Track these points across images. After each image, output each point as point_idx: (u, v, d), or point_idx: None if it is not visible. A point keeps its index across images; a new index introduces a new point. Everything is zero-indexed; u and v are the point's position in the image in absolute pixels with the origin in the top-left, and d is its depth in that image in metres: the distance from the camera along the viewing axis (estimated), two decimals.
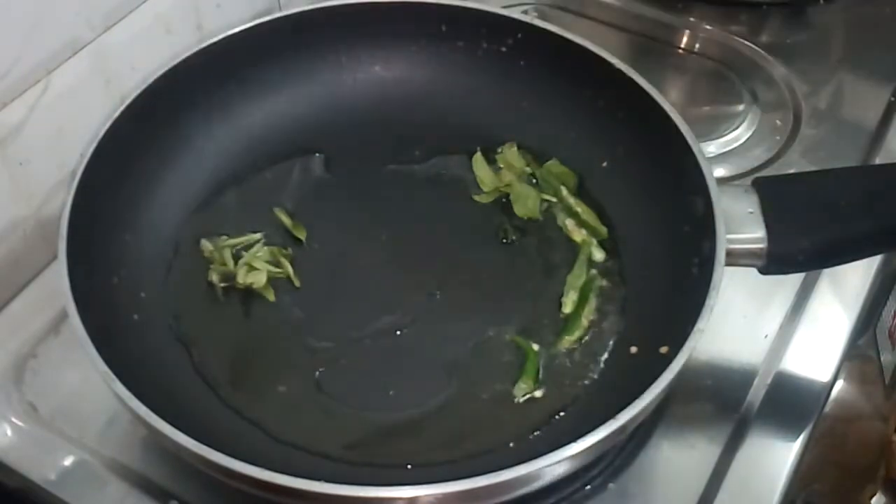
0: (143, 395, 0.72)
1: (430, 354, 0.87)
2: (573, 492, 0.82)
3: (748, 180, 0.86)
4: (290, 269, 0.92)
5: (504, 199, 0.98)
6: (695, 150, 0.87)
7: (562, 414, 0.83)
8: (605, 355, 0.87)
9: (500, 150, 1.01)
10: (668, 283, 0.87)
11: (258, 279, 0.90)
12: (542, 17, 1.18)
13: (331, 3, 1.03)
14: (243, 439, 0.80)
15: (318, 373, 0.86)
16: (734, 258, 0.81)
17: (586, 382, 0.85)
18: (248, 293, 0.91)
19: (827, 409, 0.89)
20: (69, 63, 0.92)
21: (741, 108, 1.14)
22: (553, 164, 0.99)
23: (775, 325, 0.94)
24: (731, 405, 0.88)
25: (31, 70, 0.89)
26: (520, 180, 0.99)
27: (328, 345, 0.88)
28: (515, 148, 1.01)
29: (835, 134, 1.11)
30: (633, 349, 0.86)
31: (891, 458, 1.26)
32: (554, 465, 0.70)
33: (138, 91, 0.92)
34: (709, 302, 0.77)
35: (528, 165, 1.00)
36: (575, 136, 1.00)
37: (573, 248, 0.94)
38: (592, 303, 0.90)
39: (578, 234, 0.95)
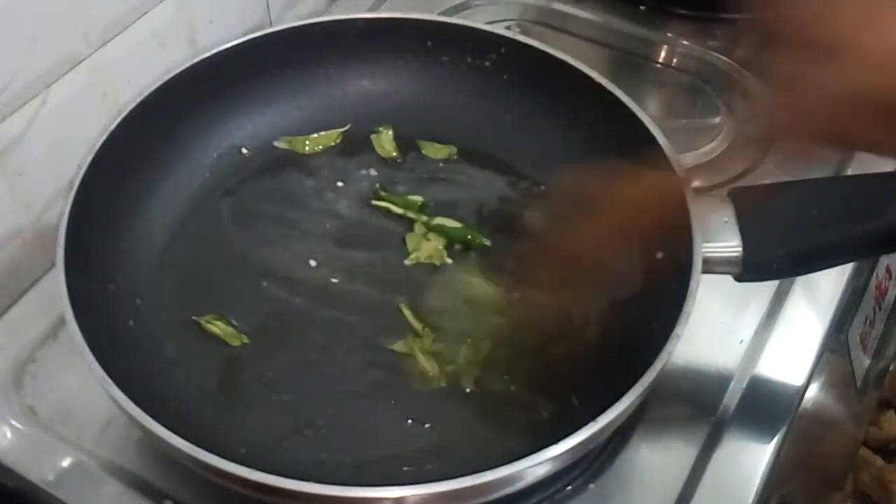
0: (138, 398, 0.73)
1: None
2: (555, 492, 0.83)
3: (724, 191, 0.86)
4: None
5: None
6: (672, 161, 0.89)
7: (543, 416, 0.84)
8: (586, 360, 0.88)
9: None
10: (647, 290, 0.88)
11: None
12: (525, 32, 1.17)
13: (320, 20, 1.04)
14: (235, 441, 0.81)
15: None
16: (710, 266, 0.82)
17: (568, 387, 0.86)
18: None
19: (802, 411, 0.90)
20: (67, 77, 0.93)
21: (717, 120, 1.15)
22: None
23: (750, 330, 0.94)
24: (707, 408, 0.89)
25: (30, 84, 0.89)
26: None
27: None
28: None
29: (808, 146, 1.11)
30: (613, 355, 0.87)
31: (858, 472, 1.28)
32: (536, 466, 0.71)
33: (134, 104, 0.93)
34: (686, 308, 0.78)
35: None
36: (556, 147, 1.02)
37: None
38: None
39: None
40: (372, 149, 1.05)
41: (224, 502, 0.79)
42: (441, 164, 1.05)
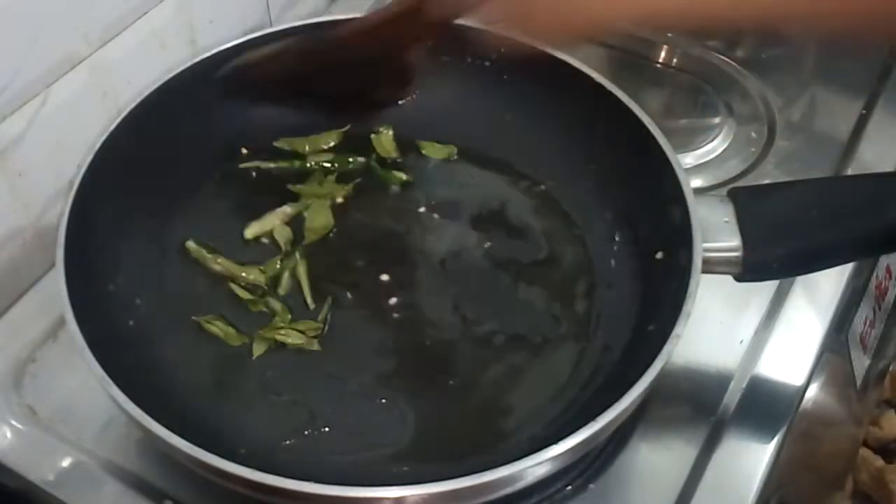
0: (138, 398, 0.73)
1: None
2: (555, 492, 0.83)
3: (724, 190, 0.86)
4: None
5: None
6: (672, 161, 0.88)
7: (544, 415, 0.84)
8: (587, 360, 0.88)
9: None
10: (647, 290, 0.89)
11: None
12: None
13: (319, 20, 1.03)
14: (235, 441, 0.81)
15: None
16: (710, 266, 0.82)
17: (569, 387, 0.86)
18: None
19: (802, 411, 0.90)
20: (67, 77, 0.93)
21: (717, 120, 1.15)
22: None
23: (750, 330, 0.95)
24: (707, 408, 0.89)
25: (30, 83, 0.90)
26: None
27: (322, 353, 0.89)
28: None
29: (808, 146, 1.12)
30: (613, 354, 0.87)
31: (858, 472, 1.28)
32: (536, 466, 0.71)
33: (134, 104, 0.93)
34: (686, 308, 0.78)
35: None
36: (556, 147, 1.02)
37: None
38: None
39: None
40: (372, 149, 1.05)
41: (224, 502, 0.80)
42: (441, 164, 1.05)
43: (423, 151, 1.06)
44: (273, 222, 0.98)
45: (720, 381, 0.91)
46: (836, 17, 0.78)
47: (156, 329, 0.89)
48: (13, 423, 0.87)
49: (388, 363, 0.89)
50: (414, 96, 1.07)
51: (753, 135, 1.14)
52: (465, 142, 1.05)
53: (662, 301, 0.83)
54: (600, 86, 0.97)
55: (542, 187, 1.02)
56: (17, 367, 0.91)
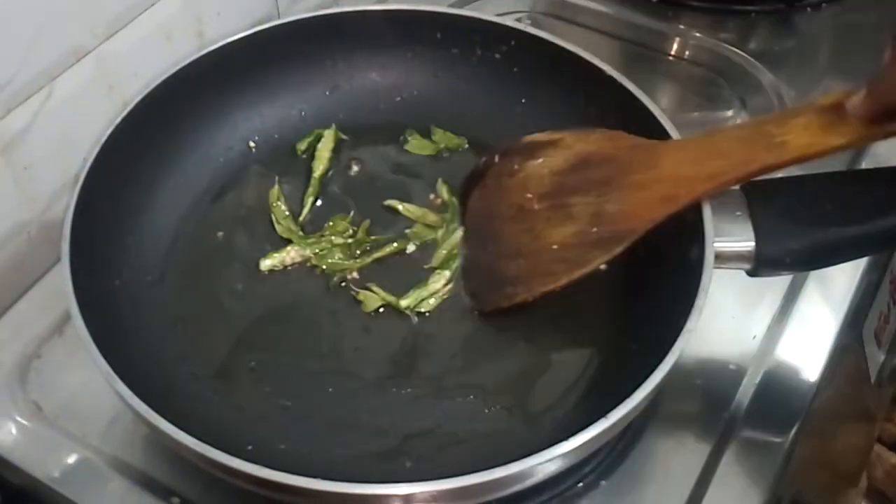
0: (144, 394, 0.73)
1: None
2: (566, 489, 0.83)
3: (736, 184, 0.85)
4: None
5: None
6: None
7: (556, 411, 0.84)
8: (598, 355, 0.88)
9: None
10: (659, 285, 0.88)
11: None
12: (535, 24, 1.18)
13: (328, 12, 1.03)
14: (242, 437, 0.81)
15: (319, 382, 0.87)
16: (723, 260, 0.81)
17: (580, 383, 0.86)
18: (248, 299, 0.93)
19: (816, 407, 0.90)
20: (73, 70, 0.93)
21: (730, 113, 1.15)
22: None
23: (763, 325, 0.94)
24: (720, 404, 0.88)
25: (35, 76, 0.90)
26: None
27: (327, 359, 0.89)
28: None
29: None
30: (625, 350, 0.86)
31: (871, 469, 1.27)
32: (546, 462, 0.71)
33: (140, 97, 0.93)
34: (698, 303, 0.77)
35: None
36: None
37: None
38: None
39: None
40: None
41: (230, 499, 0.80)
42: (452, 154, 1.05)
43: (434, 138, 1.06)
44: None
45: (733, 377, 0.91)
46: None
47: (162, 325, 0.89)
48: (18, 419, 0.87)
49: (395, 359, 0.89)
50: (422, 91, 1.06)
51: None
52: (475, 133, 1.05)
53: (675, 296, 0.82)
54: (612, 78, 0.96)
55: None
56: (22, 363, 0.91)
